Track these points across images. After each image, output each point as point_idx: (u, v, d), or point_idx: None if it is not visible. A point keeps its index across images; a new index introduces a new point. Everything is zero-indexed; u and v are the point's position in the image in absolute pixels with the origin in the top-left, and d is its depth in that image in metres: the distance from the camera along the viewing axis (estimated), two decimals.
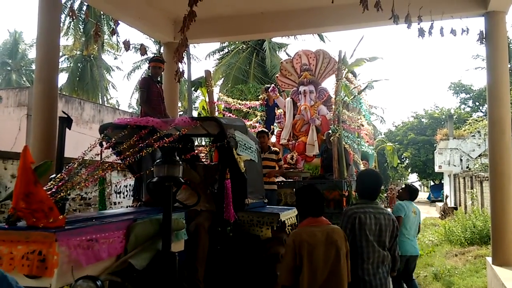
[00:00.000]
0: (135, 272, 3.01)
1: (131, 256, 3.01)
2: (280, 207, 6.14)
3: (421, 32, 5.51)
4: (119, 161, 3.89)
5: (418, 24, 5.39)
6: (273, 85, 10.20)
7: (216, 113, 8.41)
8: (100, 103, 28.16)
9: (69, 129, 3.79)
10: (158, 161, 3.29)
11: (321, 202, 3.35)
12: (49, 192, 2.79)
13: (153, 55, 7.42)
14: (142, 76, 6.94)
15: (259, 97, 10.68)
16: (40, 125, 5.85)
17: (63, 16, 19.02)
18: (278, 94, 9.77)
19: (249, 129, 7.92)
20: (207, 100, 8.42)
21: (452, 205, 24.53)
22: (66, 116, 3.57)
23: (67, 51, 31.96)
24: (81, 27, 28.62)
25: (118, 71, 52.98)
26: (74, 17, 7.63)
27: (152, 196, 4.16)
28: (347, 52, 8.63)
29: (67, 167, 3.19)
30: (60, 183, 2.94)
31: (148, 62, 6.82)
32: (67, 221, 2.70)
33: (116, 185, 10.89)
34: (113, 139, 3.74)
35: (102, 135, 4.09)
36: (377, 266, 3.50)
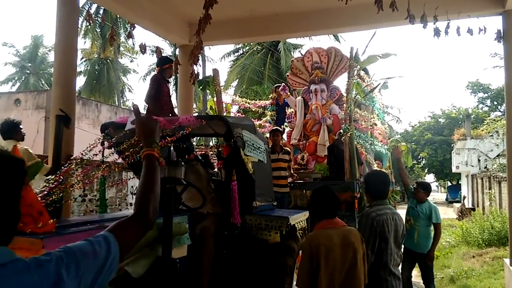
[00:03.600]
0: (132, 280, 2.85)
1: (127, 264, 2.84)
2: (290, 210, 5.95)
3: (437, 32, 5.46)
4: (120, 161, 3.79)
5: (434, 23, 5.34)
6: (283, 84, 10.00)
7: (225, 113, 8.25)
8: (117, 105, 28.46)
9: (67, 127, 3.74)
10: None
11: (335, 204, 3.33)
12: (40, 195, 2.65)
13: (159, 55, 7.30)
14: (154, 74, 6.88)
15: (270, 96, 10.50)
16: (58, 128, 5.94)
17: (80, 19, 19.32)
18: (288, 93, 9.57)
19: (258, 129, 7.91)
20: (215, 99, 8.28)
21: (470, 206, 24.17)
22: (63, 114, 3.51)
23: (84, 54, 32.41)
24: (98, 30, 28.97)
25: (134, 73, 53.54)
26: (91, 21, 7.76)
27: None
28: (360, 49, 8.34)
29: (63, 168, 3.04)
30: (53, 185, 2.78)
31: (160, 62, 6.68)
32: (58, 226, 2.56)
33: (132, 186, 10.97)
34: (114, 138, 3.62)
35: (103, 134, 3.98)
36: (397, 266, 3.56)
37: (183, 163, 3.24)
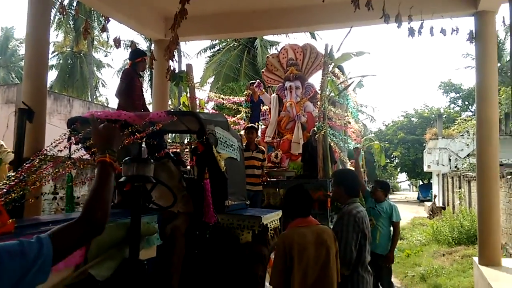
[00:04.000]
0: (96, 283, 2.72)
1: (91, 266, 2.71)
2: (262, 209, 5.85)
3: (411, 32, 5.54)
4: (87, 157, 3.65)
5: (409, 23, 5.41)
6: (258, 80, 9.82)
7: (198, 109, 7.95)
8: (90, 100, 27.96)
9: (30, 122, 3.60)
10: (126, 158, 2.99)
11: (309, 202, 3.35)
12: None
13: (133, 49, 7.04)
14: (125, 68, 6.69)
15: (244, 93, 10.30)
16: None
17: (53, 11, 18.88)
18: (263, 90, 9.42)
19: (233, 126, 7.79)
20: (188, 95, 8.02)
21: (441, 204, 24.69)
22: (26, 107, 3.38)
23: (57, 47, 31.70)
24: (71, 23, 28.37)
25: (109, 68, 52.66)
26: (64, 13, 7.58)
27: (124, 197, 3.89)
28: (334, 47, 8.23)
29: (25, 164, 2.89)
30: (13, 183, 2.64)
31: (132, 56, 6.48)
32: (17, 226, 2.45)
33: None
34: (80, 133, 3.45)
35: (70, 129, 3.80)
36: (368, 272, 3.61)
37: (152, 160, 3.10)
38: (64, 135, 3.33)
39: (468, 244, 11.37)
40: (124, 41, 18.51)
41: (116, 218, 3.11)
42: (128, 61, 6.62)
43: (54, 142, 3.12)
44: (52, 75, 31.68)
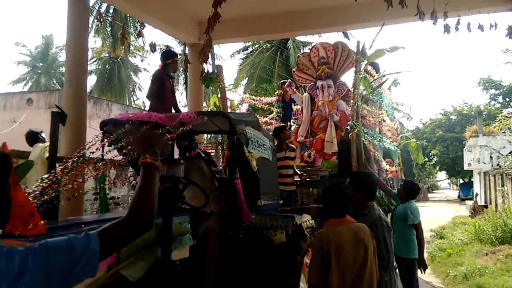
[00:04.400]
0: (129, 284, 2.72)
1: (123, 267, 2.72)
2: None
3: (447, 28, 5.44)
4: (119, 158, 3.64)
5: (444, 20, 5.32)
6: (289, 80, 9.72)
7: (229, 110, 8.02)
8: (127, 104, 28.66)
9: (63, 125, 3.65)
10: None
11: (346, 202, 3.32)
12: (32, 195, 2.55)
13: (164, 50, 7.10)
14: (156, 70, 6.67)
15: (276, 93, 10.21)
16: (70, 126, 5.99)
17: (90, 18, 19.46)
18: (295, 89, 9.30)
19: (265, 126, 7.77)
20: (219, 96, 8.05)
21: (482, 203, 23.97)
22: (59, 110, 3.42)
23: (95, 53, 32.65)
24: (108, 29, 29.18)
25: (145, 72, 53.73)
26: (101, 20, 7.83)
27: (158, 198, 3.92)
28: (367, 44, 7.95)
29: (58, 166, 2.91)
30: (46, 185, 2.66)
31: (162, 58, 6.48)
32: (49, 228, 2.44)
33: None
34: (113, 135, 3.45)
35: (102, 131, 3.79)
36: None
37: (182, 161, 3.14)
38: (97, 137, 3.36)
39: None
40: (160, 46, 18.92)
41: None
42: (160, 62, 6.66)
43: (87, 144, 3.17)
44: (91, 80, 32.62)
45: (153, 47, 7.09)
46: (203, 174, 4.21)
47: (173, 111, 6.43)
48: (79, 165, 2.89)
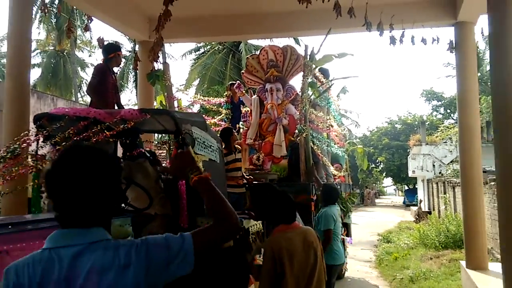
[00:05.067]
0: None
1: None
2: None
3: (393, 40, 5.62)
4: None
5: (390, 32, 5.49)
6: (238, 81, 9.57)
7: (176, 109, 7.73)
8: (74, 100, 27.65)
9: None
10: None
11: (293, 208, 3.32)
12: None
13: (107, 44, 6.69)
14: (98, 64, 6.35)
15: (225, 94, 10.02)
16: (11, 122, 5.66)
17: (34, 8, 18.61)
18: (243, 91, 9.18)
19: (213, 127, 7.64)
20: (165, 94, 7.79)
21: (426, 209, 24.96)
22: None
23: (39, 45, 31.30)
24: (53, 21, 28.02)
25: (92, 68, 52.07)
26: (46, 12, 7.46)
27: None
28: (315, 49, 7.94)
29: None
30: None
31: (104, 51, 6.10)
32: None
33: None
34: (45, 131, 3.30)
35: (36, 125, 3.61)
36: None
37: (122, 160, 2.97)
38: (28, 131, 3.25)
39: (454, 248, 11.50)
40: (108, 41, 18.41)
41: None
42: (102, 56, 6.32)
43: (16, 139, 3.02)
44: (35, 74, 31.18)
45: (101, 42, 6.80)
46: (148, 175, 4.05)
47: (116, 108, 6.18)
48: (6, 162, 2.71)
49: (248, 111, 9.26)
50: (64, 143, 3.02)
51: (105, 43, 6.62)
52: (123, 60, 28.78)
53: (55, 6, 24.28)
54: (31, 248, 2.19)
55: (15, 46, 5.92)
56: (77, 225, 1.46)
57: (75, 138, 3.05)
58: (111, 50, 6.13)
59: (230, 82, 10.21)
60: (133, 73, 26.49)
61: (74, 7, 20.54)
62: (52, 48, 31.74)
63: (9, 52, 6.12)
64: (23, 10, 6.06)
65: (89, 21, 7.35)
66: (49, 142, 3.45)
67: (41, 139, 3.37)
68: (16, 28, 5.93)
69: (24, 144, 3.09)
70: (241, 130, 9.16)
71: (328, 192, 5.71)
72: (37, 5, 19.33)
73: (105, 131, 3.08)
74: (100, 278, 1.39)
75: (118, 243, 1.46)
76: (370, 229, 19.04)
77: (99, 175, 1.48)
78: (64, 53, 31.85)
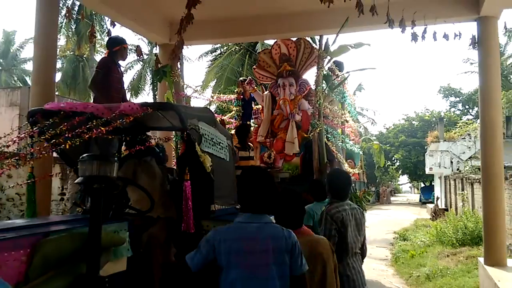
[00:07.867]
0: None
1: (35, 285, 2.20)
2: None
3: (414, 37, 5.60)
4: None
5: (412, 28, 5.48)
6: (249, 77, 9.34)
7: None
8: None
9: None
10: (83, 156, 2.46)
11: (301, 213, 3.13)
12: None
13: (112, 36, 6.46)
14: (102, 57, 6.13)
15: (235, 90, 9.73)
16: None
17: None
18: (255, 87, 8.92)
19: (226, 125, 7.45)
20: (173, 91, 7.58)
21: (443, 206, 24.73)
22: None
23: (60, 51, 31.78)
24: (72, 26, 28.45)
25: None
26: (70, 18, 7.58)
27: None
28: (331, 39, 7.55)
29: None
30: None
31: (109, 45, 5.93)
32: None
33: (60, 187, 9.69)
34: (37, 126, 3.15)
35: (29, 122, 3.44)
36: (357, 259, 3.64)
37: (116, 158, 2.63)
38: (19, 127, 3.05)
39: (472, 245, 11.43)
40: (128, 45, 18.59)
41: (75, 225, 2.65)
42: (106, 49, 6.20)
43: (6, 135, 2.83)
44: (56, 78, 31.63)
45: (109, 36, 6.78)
46: (154, 175, 3.86)
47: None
48: None
49: (259, 108, 9.02)
50: (55, 140, 2.84)
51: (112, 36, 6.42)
52: (140, 63, 29.24)
53: (74, 12, 24.61)
54: (6, 259, 2.11)
55: (42, 53, 6.01)
56: (257, 212, 2.64)
57: (67, 135, 2.87)
58: (117, 43, 5.98)
59: (241, 78, 9.93)
60: (149, 76, 26.72)
61: (93, 12, 20.79)
62: (72, 53, 32.20)
63: (35, 58, 6.21)
64: (50, 17, 6.19)
65: (112, 26, 7.46)
66: (41, 139, 3.26)
67: (31, 136, 3.21)
68: (43, 35, 6.04)
69: (10, 142, 2.91)
70: (252, 127, 8.91)
71: (316, 188, 5.44)
72: (62, 12, 19.60)
73: (101, 127, 2.85)
74: (272, 241, 2.55)
75: (289, 233, 2.63)
76: (386, 227, 18.94)
77: (269, 184, 2.73)
78: (83, 57, 32.30)
